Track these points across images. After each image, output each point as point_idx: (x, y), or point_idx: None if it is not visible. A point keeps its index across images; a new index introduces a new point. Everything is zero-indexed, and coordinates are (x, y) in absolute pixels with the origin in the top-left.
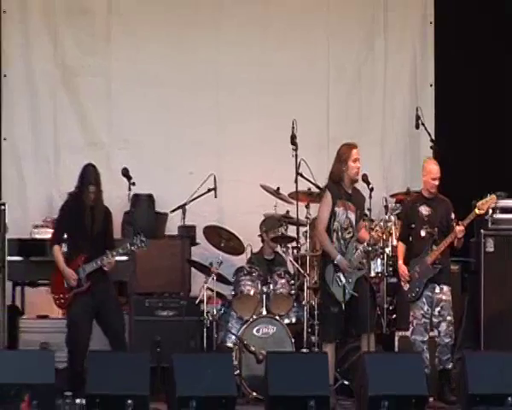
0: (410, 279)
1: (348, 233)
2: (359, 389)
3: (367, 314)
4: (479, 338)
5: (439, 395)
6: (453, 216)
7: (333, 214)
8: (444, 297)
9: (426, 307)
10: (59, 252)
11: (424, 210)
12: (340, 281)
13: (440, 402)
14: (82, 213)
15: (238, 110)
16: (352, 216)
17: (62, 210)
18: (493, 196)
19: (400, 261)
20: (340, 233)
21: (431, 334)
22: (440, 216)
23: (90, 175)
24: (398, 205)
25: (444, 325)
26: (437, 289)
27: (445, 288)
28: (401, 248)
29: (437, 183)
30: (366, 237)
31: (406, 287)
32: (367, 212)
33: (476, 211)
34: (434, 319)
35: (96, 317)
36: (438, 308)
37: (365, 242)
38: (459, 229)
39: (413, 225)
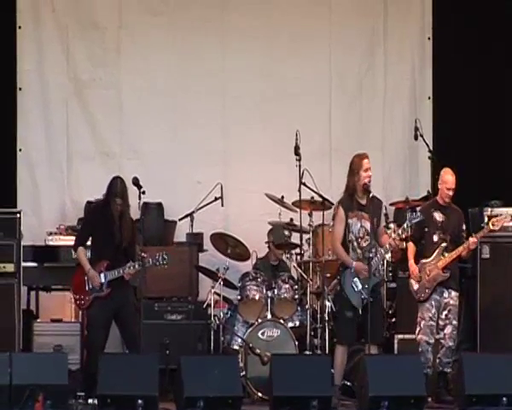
0: (419, 279)
1: (365, 241)
2: (360, 389)
3: (377, 325)
4: (475, 340)
5: (437, 396)
6: (464, 227)
7: (346, 226)
8: (451, 302)
9: (433, 311)
10: (83, 253)
11: (438, 216)
12: (357, 287)
13: (438, 403)
14: (109, 222)
15: (243, 120)
16: (367, 225)
17: (89, 216)
18: (508, 213)
19: (411, 261)
20: (355, 243)
21: (437, 336)
22: (453, 225)
23: (116, 188)
24: (418, 214)
25: (449, 328)
26: (445, 294)
27: (453, 293)
28: (411, 248)
29: (451, 193)
30: (387, 241)
31: (416, 286)
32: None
33: (490, 226)
34: (441, 322)
35: (115, 319)
36: (445, 312)
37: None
38: (473, 241)
39: (426, 229)
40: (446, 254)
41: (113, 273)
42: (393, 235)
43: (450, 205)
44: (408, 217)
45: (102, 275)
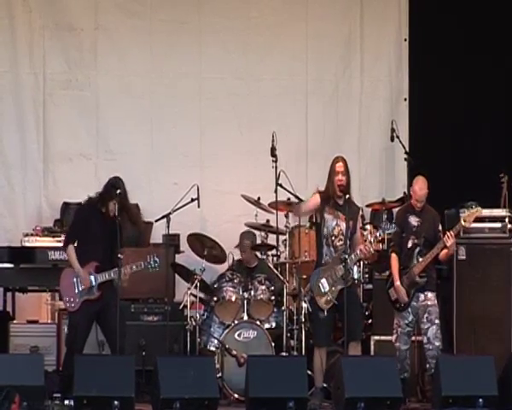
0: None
1: (339, 241)
2: (336, 390)
3: (356, 322)
4: (451, 342)
5: (429, 398)
6: (440, 228)
7: (322, 220)
8: (429, 303)
9: (410, 318)
10: (73, 252)
11: (413, 220)
12: (324, 288)
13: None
14: (104, 222)
15: (220, 122)
16: (343, 225)
17: (79, 214)
18: (479, 208)
19: (398, 282)
20: (329, 239)
21: (418, 339)
22: (428, 227)
23: (116, 188)
24: (393, 225)
25: (433, 329)
26: (421, 297)
27: (430, 294)
28: (395, 261)
29: (419, 205)
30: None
31: (394, 297)
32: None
33: (462, 223)
34: (423, 326)
35: (97, 320)
36: (426, 314)
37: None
38: (447, 238)
39: (403, 234)
40: (421, 259)
41: (104, 276)
42: (369, 238)
43: (424, 207)
44: (382, 226)
45: (92, 277)
